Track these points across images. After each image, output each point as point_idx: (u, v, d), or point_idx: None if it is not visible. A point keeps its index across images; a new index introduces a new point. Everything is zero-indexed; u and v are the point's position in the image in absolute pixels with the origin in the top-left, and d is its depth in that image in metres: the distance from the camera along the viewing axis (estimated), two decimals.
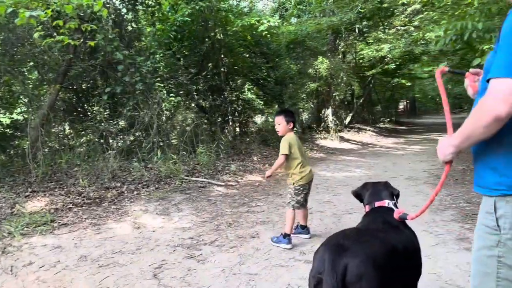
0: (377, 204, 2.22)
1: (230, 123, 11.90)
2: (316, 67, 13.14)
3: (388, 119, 22.01)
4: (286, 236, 3.77)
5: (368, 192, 2.34)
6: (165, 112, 8.88)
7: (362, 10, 13.33)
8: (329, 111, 14.86)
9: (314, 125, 14.59)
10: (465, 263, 3.15)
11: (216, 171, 7.21)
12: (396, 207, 2.17)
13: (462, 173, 7.09)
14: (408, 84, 22.85)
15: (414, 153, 10.52)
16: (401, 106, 37.63)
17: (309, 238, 3.95)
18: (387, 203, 2.19)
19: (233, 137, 11.49)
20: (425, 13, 13.24)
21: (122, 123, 7.93)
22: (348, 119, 16.02)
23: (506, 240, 1.31)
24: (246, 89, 12.20)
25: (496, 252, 1.33)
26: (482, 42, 5.14)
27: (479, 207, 1.47)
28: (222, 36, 10.55)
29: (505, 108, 1.16)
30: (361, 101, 17.68)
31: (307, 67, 13.38)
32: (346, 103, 16.77)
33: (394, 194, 2.29)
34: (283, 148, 3.74)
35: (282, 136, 3.91)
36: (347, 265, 1.67)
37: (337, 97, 14.70)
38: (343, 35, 15.68)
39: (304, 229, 4.04)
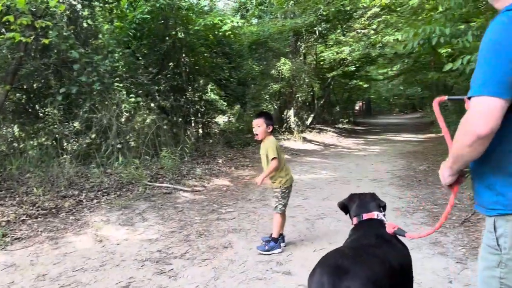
0: (365, 216, 2.14)
1: (193, 125, 11.62)
2: (278, 68, 13.12)
3: (347, 120, 22.48)
4: (276, 240, 3.67)
5: (355, 204, 2.26)
6: (125, 113, 8.48)
7: (324, 13, 13.46)
8: (291, 112, 14.90)
9: (277, 126, 14.57)
10: (442, 269, 3.16)
11: (181, 176, 6.94)
12: (385, 219, 2.10)
13: (424, 174, 7.28)
14: (365, 85, 23.47)
15: (375, 154, 10.75)
16: (357, 107, 38.67)
17: (281, 251, 3.78)
18: (376, 215, 2.13)
19: (196, 139, 11.22)
20: (383, 16, 13.62)
21: (77, 125, 7.46)
22: (310, 120, 16.16)
23: (507, 261, 1.27)
24: (208, 89, 11.95)
25: (498, 273, 1.30)
26: (449, 47, 5.27)
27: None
28: (183, 35, 10.26)
29: (485, 127, 1.15)
30: (321, 102, 17.91)
31: (269, 68, 13.34)
32: (307, 104, 16.91)
33: (381, 206, 2.23)
34: (273, 152, 3.58)
35: (259, 140, 3.76)
36: None
37: (299, 99, 14.77)
38: (304, 37, 15.79)
39: (280, 236, 3.92)
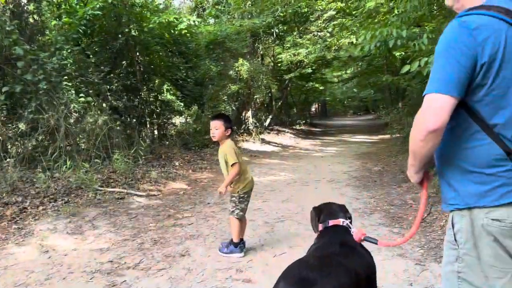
0: (331, 222, 2.11)
1: (148, 126, 11.25)
2: (236, 69, 13.01)
3: (304, 121, 22.78)
4: (237, 244, 3.55)
5: (323, 213, 2.22)
6: (74, 114, 8.01)
7: (281, 14, 13.53)
8: (249, 113, 14.84)
9: (236, 128, 14.45)
10: (402, 271, 3.17)
11: (135, 180, 6.62)
12: (350, 227, 2.05)
13: (379, 174, 7.44)
14: (321, 88, 23.92)
15: (332, 155, 10.90)
16: (313, 108, 39.42)
17: (242, 256, 3.68)
18: (341, 221, 2.10)
19: (152, 140, 10.87)
20: (339, 20, 13.91)
21: (22, 126, 6.94)
22: (268, 121, 16.18)
23: (464, 255, 1.33)
24: (164, 89, 11.61)
25: (456, 267, 1.35)
26: (404, 50, 5.40)
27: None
28: (137, 33, 9.89)
29: (435, 122, 1.23)
30: (279, 103, 18.00)
31: (227, 68, 13.20)
32: (265, 105, 16.94)
33: (348, 217, 2.20)
34: (232, 157, 3.43)
35: (217, 142, 3.63)
36: None
37: (257, 100, 14.75)
38: (262, 38, 15.81)
39: (240, 241, 3.81)
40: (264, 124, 15.74)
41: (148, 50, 10.99)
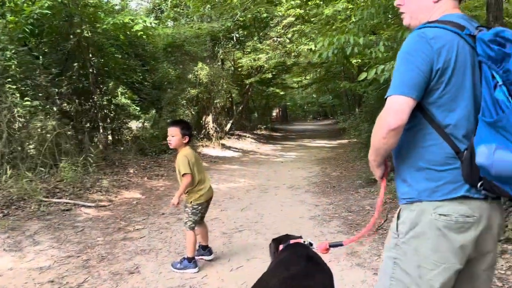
0: (292, 241, 2.10)
1: (101, 131, 10.73)
2: (196, 73, 12.74)
3: (265, 126, 22.79)
4: (191, 260, 3.35)
5: (282, 242, 2.17)
6: (19, 118, 7.46)
7: (241, 19, 13.43)
8: (209, 118, 14.59)
9: (195, 132, 14.14)
10: (360, 282, 3.09)
11: (84, 189, 6.21)
12: (312, 243, 2.05)
13: (337, 180, 7.46)
14: (282, 93, 24.06)
15: (292, 160, 10.89)
16: (274, 113, 39.69)
17: (212, 259, 3.53)
18: (303, 240, 2.10)
19: (105, 146, 10.37)
20: (298, 26, 14.00)
21: None
22: (228, 126, 15.98)
23: (402, 244, 1.45)
24: (119, 93, 11.13)
25: (393, 253, 1.47)
26: (360, 57, 5.42)
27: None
28: (90, 34, 9.41)
29: (395, 121, 1.34)
30: (240, 108, 17.85)
31: (186, 72, 12.90)
32: (226, 110, 16.74)
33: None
34: (184, 167, 3.25)
35: (174, 149, 3.45)
36: None
37: (218, 104, 14.52)
38: (222, 43, 15.63)
39: (205, 250, 3.64)
40: (225, 129, 15.54)
41: (102, 52, 10.52)
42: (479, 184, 1.34)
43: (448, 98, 1.37)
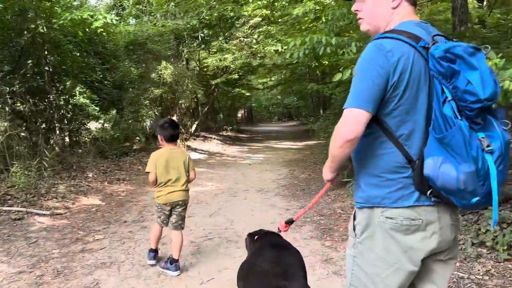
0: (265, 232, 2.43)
1: (58, 132, 10.12)
2: (159, 72, 12.31)
3: (231, 127, 22.53)
4: (172, 262, 3.36)
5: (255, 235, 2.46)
6: None
7: (207, 17, 13.13)
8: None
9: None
10: None
11: (38, 196, 5.72)
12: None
13: (306, 182, 7.36)
14: (248, 94, 23.90)
15: (260, 162, 10.73)
16: (239, 114, 39.53)
17: (178, 275, 3.31)
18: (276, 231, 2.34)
19: (62, 149, 9.79)
20: (264, 27, 13.88)
21: None
22: (194, 127, 15.61)
23: (358, 244, 1.54)
24: (77, 92, 10.53)
25: (352, 252, 1.58)
26: (331, 58, 5.32)
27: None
28: (45, 30, 8.81)
29: (351, 133, 1.39)
30: (206, 109, 17.49)
31: (149, 71, 12.44)
32: (191, 111, 16.35)
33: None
34: (148, 165, 3.36)
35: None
36: None
37: (183, 105, 14.12)
38: (187, 42, 15.25)
39: (154, 252, 3.55)
40: (190, 130, 15.16)
41: (58, 49, 9.92)
42: (428, 192, 1.41)
43: (402, 110, 1.41)
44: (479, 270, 3.08)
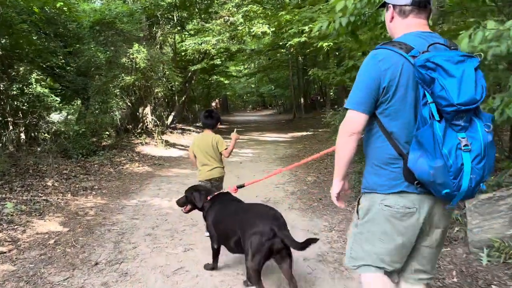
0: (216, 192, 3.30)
1: (11, 128, 8.46)
2: (131, 56, 10.69)
3: None
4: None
5: (200, 191, 3.28)
6: None
7: None
8: (148, 110, 12.60)
9: (131, 127, 12.08)
10: None
11: None
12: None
13: (319, 188, 6.12)
14: (226, 81, 22.47)
15: (251, 160, 9.42)
16: (213, 104, 38.01)
17: None
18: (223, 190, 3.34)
19: (17, 147, 8.19)
20: (249, 6, 12.44)
21: None
22: (170, 118, 14.07)
23: (359, 225, 1.88)
24: (33, 79, 8.81)
25: (355, 230, 1.91)
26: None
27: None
28: None
29: (351, 130, 1.72)
30: (183, 98, 15.88)
31: (119, 55, 10.78)
32: (166, 100, 14.76)
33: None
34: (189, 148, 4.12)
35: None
36: None
37: (159, 94, 12.54)
38: (160, 23, 13.59)
39: None
40: (166, 123, 13.63)
41: (10, 29, 8.18)
42: (415, 182, 1.66)
43: (392, 110, 1.68)
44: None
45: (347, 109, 1.73)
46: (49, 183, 6.08)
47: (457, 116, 1.48)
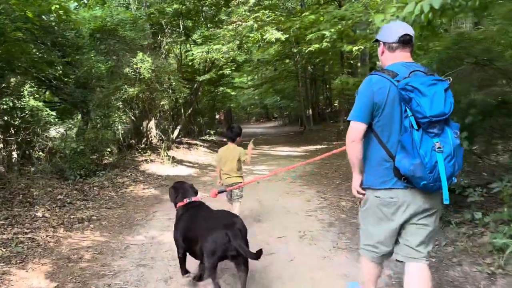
0: (193, 199, 3.39)
1: (1, 146, 7.57)
2: (135, 66, 9.82)
3: (214, 131, 20.11)
4: None
5: (179, 191, 3.47)
6: None
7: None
8: (152, 124, 11.69)
9: (134, 142, 11.15)
10: None
11: None
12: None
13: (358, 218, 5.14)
14: (233, 93, 21.61)
15: (268, 179, 8.44)
16: (217, 116, 37.23)
17: None
18: (199, 198, 3.45)
19: (7, 167, 7.31)
20: (261, 12, 11.61)
21: None
22: (176, 132, 13.14)
23: (361, 212, 2.48)
24: (25, 92, 7.91)
25: (360, 215, 2.52)
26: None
27: None
28: None
29: (353, 137, 2.26)
30: (189, 111, 14.93)
31: (122, 65, 9.92)
32: (172, 113, 13.86)
33: (196, 192, 3.56)
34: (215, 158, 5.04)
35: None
36: None
37: (165, 106, 11.63)
38: (166, 31, 12.77)
39: None
40: (172, 137, 12.70)
41: (3, 37, 7.35)
42: (402, 178, 2.16)
43: (383, 122, 2.20)
44: None
45: (349, 121, 2.27)
46: (39, 213, 5.12)
47: (431, 125, 2.03)
